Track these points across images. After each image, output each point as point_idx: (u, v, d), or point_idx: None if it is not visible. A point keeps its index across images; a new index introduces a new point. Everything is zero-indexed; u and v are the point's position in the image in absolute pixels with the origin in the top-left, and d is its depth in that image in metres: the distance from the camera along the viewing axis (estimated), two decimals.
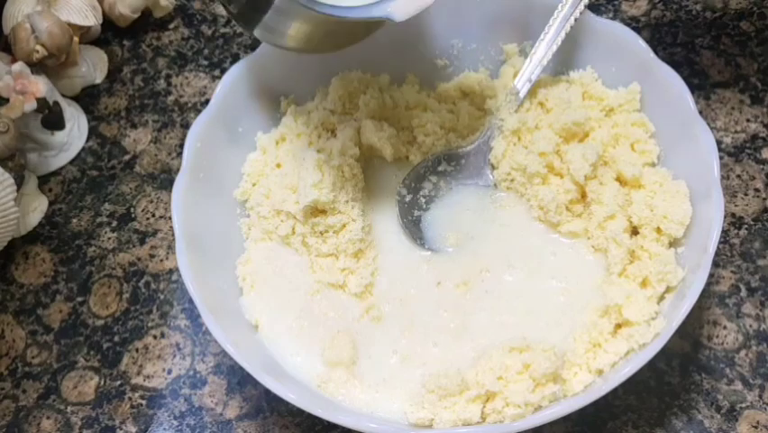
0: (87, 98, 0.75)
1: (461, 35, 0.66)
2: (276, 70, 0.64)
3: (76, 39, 0.71)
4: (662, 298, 0.55)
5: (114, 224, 0.69)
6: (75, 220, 0.69)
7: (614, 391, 0.50)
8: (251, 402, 0.60)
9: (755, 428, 0.56)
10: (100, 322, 0.64)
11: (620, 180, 0.60)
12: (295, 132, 0.64)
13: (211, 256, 0.59)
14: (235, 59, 0.76)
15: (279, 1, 0.52)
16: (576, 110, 0.61)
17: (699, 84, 0.70)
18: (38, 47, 0.68)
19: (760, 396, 0.57)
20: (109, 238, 0.68)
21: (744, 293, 0.61)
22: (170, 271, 0.66)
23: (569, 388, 0.53)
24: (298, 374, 0.56)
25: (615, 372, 0.52)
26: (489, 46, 0.66)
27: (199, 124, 0.60)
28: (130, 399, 0.61)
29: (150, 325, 0.64)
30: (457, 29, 0.66)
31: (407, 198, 0.62)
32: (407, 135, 0.64)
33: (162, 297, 0.65)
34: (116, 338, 0.64)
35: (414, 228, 0.61)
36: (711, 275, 0.61)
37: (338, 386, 0.55)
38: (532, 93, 0.63)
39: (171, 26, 0.79)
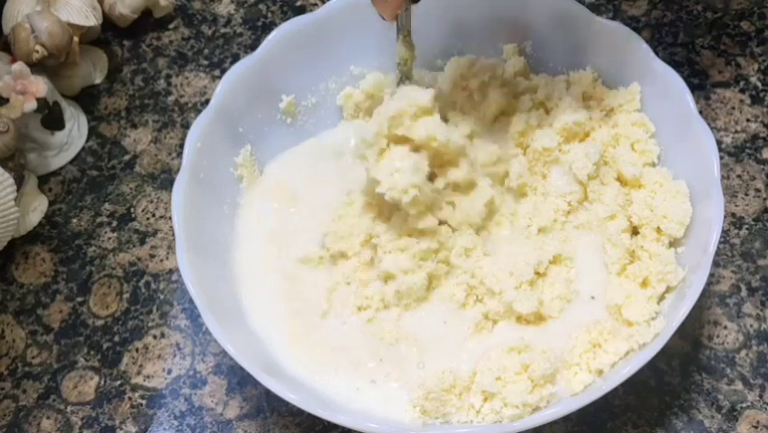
0: (87, 98, 0.75)
1: (461, 35, 0.66)
2: (276, 70, 0.63)
3: (76, 39, 0.71)
4: (662, 298, 0.55)
5: (114, 224, 0.69)
6: (75, 220, 0.69)
7: (614, 391, 0.50)
8: (251, 402, 0.60)
9: (756, 428, 0.56)
10: (100, 322, 0.64)
11: (620, 180, 0.60)
12: None
13: (211, 256, 0.59)
14: (235, 59, 0.76)
15: None
16: (576, 110, 0.61)
17: (699, 84, 0.70)
18: (38, 47, 0.68)
19: (760, 396, 0.57)
20: (109, 238, 0.68)
21: (744, 293, 0.61)
22: (170, 271, 0.66)
23: (569, 388, 0.53)
24: (298, 374, 0.56)
25: (615, 372, 0.52)
26: (488, 46, 0.66)
27: (199, 124, 0.60)
28: (130, 399, 0.61)
29: (150, 325, 0.64)
30: (457, 29, 0.66)
31: None
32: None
33: (162, 297, 0.65)
34: (116, 338, 0.64)
35: None
36: (711, 275, 0.61)
37: (340, 387, 0.55)
38: (532, 92, 0.63)
39: (171, 26, 0.79)
